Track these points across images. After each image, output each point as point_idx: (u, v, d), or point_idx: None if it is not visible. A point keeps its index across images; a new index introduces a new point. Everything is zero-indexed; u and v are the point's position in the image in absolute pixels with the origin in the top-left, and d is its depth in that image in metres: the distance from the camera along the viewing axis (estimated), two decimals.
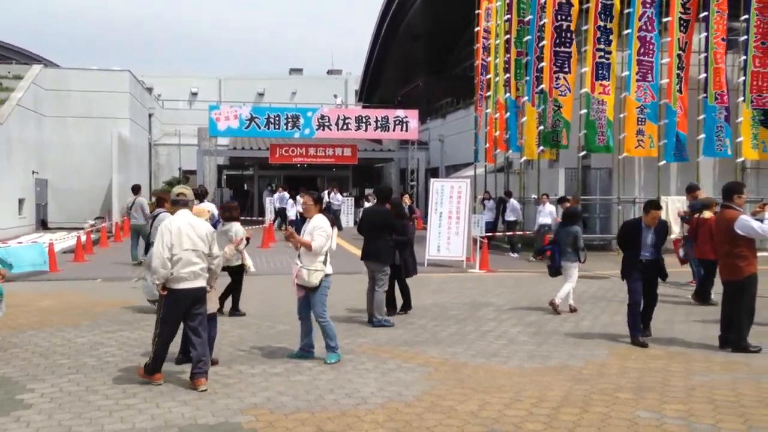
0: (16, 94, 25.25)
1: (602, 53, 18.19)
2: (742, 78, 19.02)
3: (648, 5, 18.31)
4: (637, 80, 18.32)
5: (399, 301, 10.33)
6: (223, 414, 5.75)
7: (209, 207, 11.71)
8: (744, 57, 19.02)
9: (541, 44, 18.82)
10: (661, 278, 8.66)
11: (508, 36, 21.59)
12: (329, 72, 57.10)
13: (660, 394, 6.28)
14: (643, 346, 8.11)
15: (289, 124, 28.26)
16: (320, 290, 7.29)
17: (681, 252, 12.04)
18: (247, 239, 9.92)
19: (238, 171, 41.65)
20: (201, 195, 10.39)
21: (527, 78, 20.20)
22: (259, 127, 28.28)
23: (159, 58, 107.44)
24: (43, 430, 5.37)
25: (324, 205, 8.07)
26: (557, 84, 18.43)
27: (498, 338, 8.67)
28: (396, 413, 5.78)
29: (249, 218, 28.98)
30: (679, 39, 18.52)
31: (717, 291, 9.52)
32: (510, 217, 19.59)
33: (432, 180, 18.41)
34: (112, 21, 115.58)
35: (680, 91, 18.57)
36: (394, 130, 29.35)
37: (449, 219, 16.65)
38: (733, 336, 7.87)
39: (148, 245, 10.63)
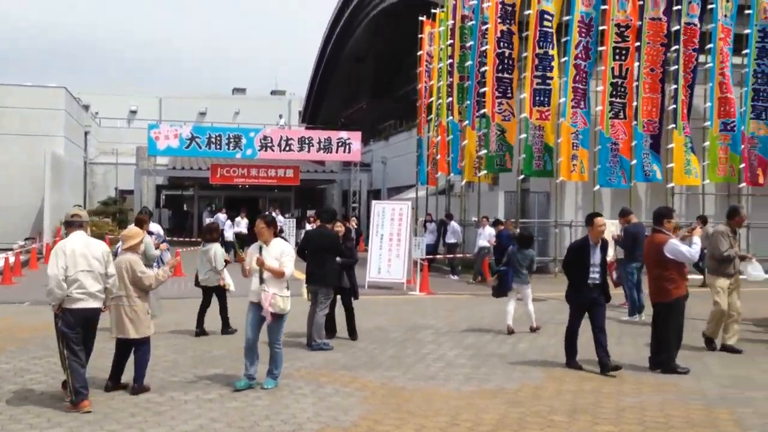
0: None
1: (540, 80, 18.64)
2: (673, 106, 19.73)
3: (584, 34, 18.87)
4: (572, 107, 18.82)
5: (340, 325, 10.22)
6: None
7: (155, 228, 11.57)
8: (675, 86, 19.75)
9: (482, 69, 19.18)
10: (605, 300, 8.59)
11: (450, 60, 21.94)
12: (273, 92, 56.98)
13: (592, 416, 6.39)
14: (578, 368, 8.18)
15: (231, 144, 27.98)
16: (285, 317, 7.27)
17: (615, 274, 12.37)
18: (226, 261, 10.42)
19: (178, 191, 40.97)
20: (141, 221, 10.54)
21: (468, 102, 20.53)
22: (200, 147, 27.92)
23: (98, 75, 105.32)
24: None
25: (278, 227, 7.87)
26: (500, 109, 18.78)
27: (436, 361, 8.69)
28: None
29: (188, 239, 28.47)
30: (613, 68, 19.13)
31: (648, 313, 9.77)
32: (450, 239, 19.79)
33: (373, 202, 18.46)
34: (49, 37, 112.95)
35: (619, 117, 19.12)
36: (337, 152, 29.38)
37: (390, 241, 16.70)
38: (663, 358, 8.07)
39: None
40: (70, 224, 6.78)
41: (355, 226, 18.38)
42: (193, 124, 37.77)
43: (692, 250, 7.99)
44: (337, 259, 9.66)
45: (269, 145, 28.27)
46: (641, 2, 19.34)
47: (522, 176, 19.23)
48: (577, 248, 8.48)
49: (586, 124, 18.97)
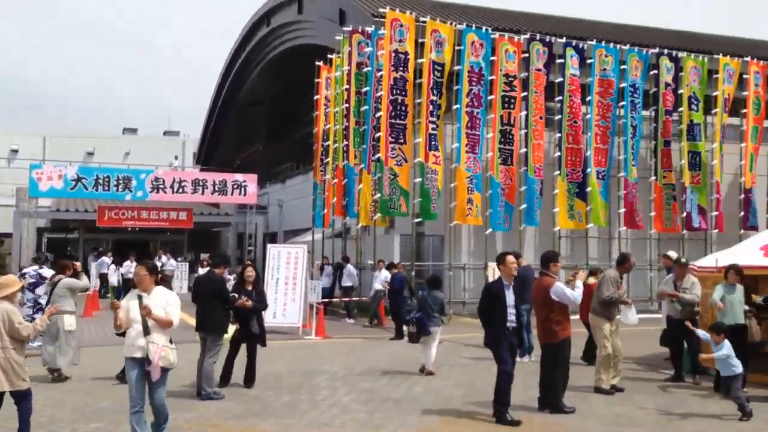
0: None
1: (434, 125, 19.19)
2: (558, 153, 20.74)
3: (474, 83, 19.63)
4: (467, 152, 19.43)
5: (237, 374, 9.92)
6: None
7: (45, 273, 11.39)
8: (558, 134, 20.80)
9: (377, 115, 19.53)
10: (518, 345, 8.58)
11: (346, 105, 22.21)
12: (166, 133, 55.66)
13: None
14: (516, 424, 7.73)
15: (120, 186, 26.99)
16: (170, 370, 6.72)
17: None
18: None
19: (62, 234, 38.99)
20: (64, 266, 10.75)
21: (364, 146, 20.80)
22: (87, 188, 26.75)
23: None
24: None
25: (159, 275, 7.17)
26: (393, 154, 19.13)
27: (331, 407, 8.58)
28: None
29: None
30: (502, 115, 19.96)
31: (537, 353, 10.06)
32: (346, 282, 19.79)
33: (269, 245, 18.24)
34: None
35: (507, 163, 19.90)
36: (232, 194, 28.90)
37: (286, 285, 16.50)
38: (551, 398, 8.30)
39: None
40: None
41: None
42: (80, 164, 36.23)
43: (575, 293, 8.32)
44: (249, 303, 9.47)
45: (161, 186, 27.48)
46: (526, 54, 20.38)
47: (418, 219, 19.58)
48: (495, 290, 8.10)
49: (480, 169, 19.62)
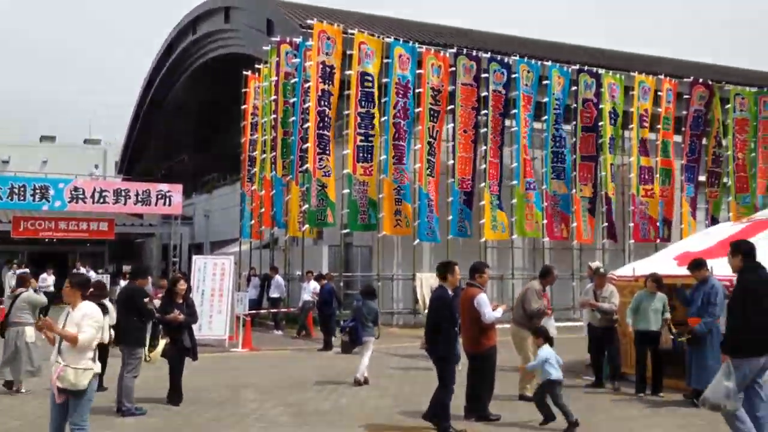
0: None
1: (363, 137, 19.28)
2: (484, 165, 21.15)
3: (401, 96, 19.85)
4: (394, 163, 19.59)
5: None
6: None
7: None
8: (485, 147, 21.22)
9: (305, 126, 19.47)
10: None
11: (274, 116, 22.07)
12: (86, 141, 53.98)
13: None
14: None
15: (37, 196, 25.96)
16: (87, 394, 6.09)
17: None
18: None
19: None
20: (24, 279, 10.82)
21: (292, 157, 20.70)
22: (1, 198, 25.68)
23: None
24: None
25: (89, 289, 6.66)
26: (321, 165, 19.11)
27: (257, 421, 8.47)
28: None
29: None
30: (429, 128, 20.24)
31: (464, 362, 10.18)
32: (274, 293, 19.60)
33: (194, 257, 17.91)
34: None
35: (431, 175, 20.18)
36: (156, 205, 28.20)
37: (212, 297, 16.21)
38: (477, 406, 8.42)
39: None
40: None
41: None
42: None
43: (492, 314, 8.36)
44: (181, 317, 9.26)
45: (81, 196, 26.57)
46: (453, 68, 20.75)
47: (346, 230, 19.57)
48: (448, 298, 7.98)
49: (408, 180, 19.82)
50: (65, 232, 28.17)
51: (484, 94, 21.31)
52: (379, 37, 20.30)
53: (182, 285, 9.70)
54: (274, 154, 22.08)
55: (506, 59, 21.90)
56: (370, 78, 19.52)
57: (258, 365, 13.10)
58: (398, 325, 19.94)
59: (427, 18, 30.09)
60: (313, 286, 17.64)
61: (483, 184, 21.03)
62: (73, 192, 26.08)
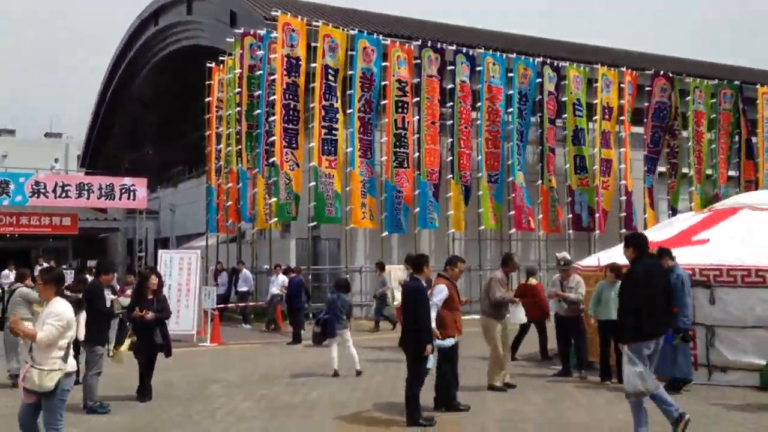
0: None
1: (327, 130, 19.24)
2: (451, 158, 21.26)
3: (366, 89, 19.84)
4: (360, 156, 19.60)
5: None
6: None
7: None
8: (451, 139, 21.33)
9: (271, 119, 19.36)
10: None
11: (239, 108, 21.89)
12: (47, 134, 52.93)
13: None
14: (431, 423, 7.80)
15: None
16: (57, 395, 5.93)
17: None
18: None
19: None
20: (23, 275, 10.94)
21: (258, 150, 20.57)
22: None
23: None
24: None
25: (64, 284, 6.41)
26: (287, 158, 19.03)
27: (227, 415, 8.45)
28: None
29: None
30: (396, 119, 20.27)
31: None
32: (242, 287, 19.48)
33: (160, 251, 17.73)
34: None
35: (403, 166, 20.22)
36: (120, 199, 27.81)
37: (179, 291, 16.08)
38: (446, 396, 8.49)
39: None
40: None
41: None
42: None
43: (434, 302, 8.38)
44: (149, 315, 9.15)
45: (42, 191, 26.11)
46: (417, 61, 20.79)
47: (313, 223, 19.55)
48: (422, 287, 8.07)
49: (372, 173, 19.83)
50: (27, 227, 27.62)
51: (450, 86, 21.40)
52: (343, 29, 20.24)
53: (153, 280, 9.60)
54: (240, 147, 21.91)
55: (471, 51, 22.01)
56: (333, 71, 19.49)
57: (227, 360, 13.05)
58: (367, 318, 19.99)
59: (392, 10, 29.95)
60: (282, 279, 17.59)
61: (450, 177, 21.15)
62: (34, 186, 25.64)
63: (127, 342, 9.27)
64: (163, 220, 35.86)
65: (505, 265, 10.23)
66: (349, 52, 19.81)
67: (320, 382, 10.63)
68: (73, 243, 33.64)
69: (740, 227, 10.97)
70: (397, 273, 18.93)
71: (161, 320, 9.48)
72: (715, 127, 26.00)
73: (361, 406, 8.89)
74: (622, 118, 24.30)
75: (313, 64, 19.38)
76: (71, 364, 6.05)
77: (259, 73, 20.50)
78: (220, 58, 24.00)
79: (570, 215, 23.31)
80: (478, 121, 21.83)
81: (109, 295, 10.02)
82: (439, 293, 8.41)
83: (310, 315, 17.85)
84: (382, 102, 20.27)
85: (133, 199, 27.54)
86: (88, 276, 22.27)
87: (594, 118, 23.93)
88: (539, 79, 22.89)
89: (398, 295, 18.55)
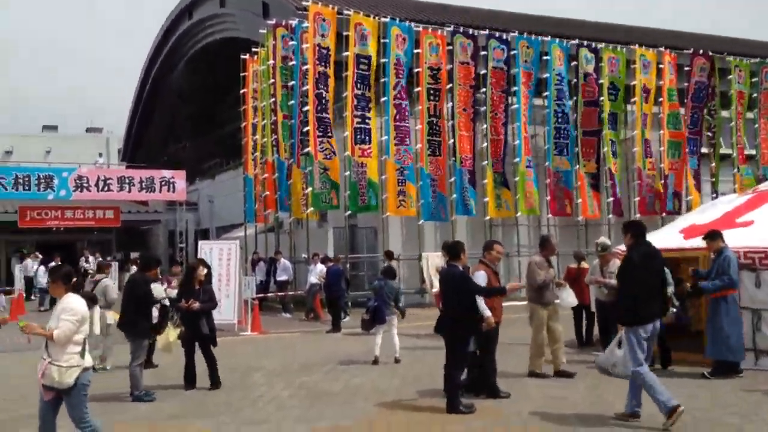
0: None
1: (360, 119, 19.26)
2: (485, 144, 21.13)
3: (400, 75, 19.80)
4: (396, 144, 19.59)
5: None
6: None
7: None
8: (485, 125, 21.19)
9: (304, 109, 19.45)
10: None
11: (273, 99, 22.03)
12: (89, 130, 53.89)
13: None
14: (471, 410, 7.75)
15: (42, 185, 26.12)
16: (77, 390, 5.85)
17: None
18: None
19: None
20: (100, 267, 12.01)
21: (293, 140, 20.70)
22: (6, 189, 25.81)
23: None
24: None
25: (78, 280, 6.67)
26: (322, 148, 19.11)
27: (268, 403, 8.57)
28: None
29: None
30: (428, 107, 20.19)
31: None
32: (281, 276, 19.66)
33: (200, 242, 17.99)
34: None
35: (436, 154, 20.17)
36: (160, 191, 28.33)
37: (219, 281, 16.25)
38: (485, 382, 8.47)
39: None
40: None
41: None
42: None
43: (478, 287, 8.30)
44: (196, 305, 9.31)
45: (85, 185, 26.71)
46: (450, 47, 20.65)
47: (349, 212, 19.63)
48: (459, 272, 8.05)
49: (412, 160, 19.82)
50: (72, 220, 28.29)
51: (482, 71, 21.23)
52: (374, 17, 20.19)
53: (201, 271, 9.76)
54: (275, 137, 22.06)
55: (505, 36, 21.79)
56: (365, 60, 19.47)
57: (267, 348, 13.22)
58: (405, 306, 20.01)
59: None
60: (320, 268, 17.71)
61: (485, 163, 21.03)
62: (77, 181, 26.21)
63: (176, 332, 9.46)
64: (202, 212, 36.37)
65: (543, 248, 10.06)
66: (382, 40, 19.77)
67: (360, 369, 10.70)
68: (116, 235, 34.32)
69: None
70: (434, 260, 18.92)
71: (208, 310, 9.61)
72: (756, 107, 25.37)
73: (402, 393, 8.93)
74: (660, 99, 23.84)
75: (345, 53, 19.39)
76: (88, 359, 6.02)
77: (292, 63, 20.59)
78: (254, 49, 24.16)
79: (610, 199, 22.99)
80: (514, 106, 21.63)
81: (160, 286, 10.35)
82: (480, 279, 8.38)
83: (349, 303, 17.98)
84: (415, 89, 20.21)
85: (173, 191, 27.98)
86: (133, 267, 22.77)
87: (633, 99, 23.52)
88: (574, 62, 22.57)
89: (436, 282, 18.61)
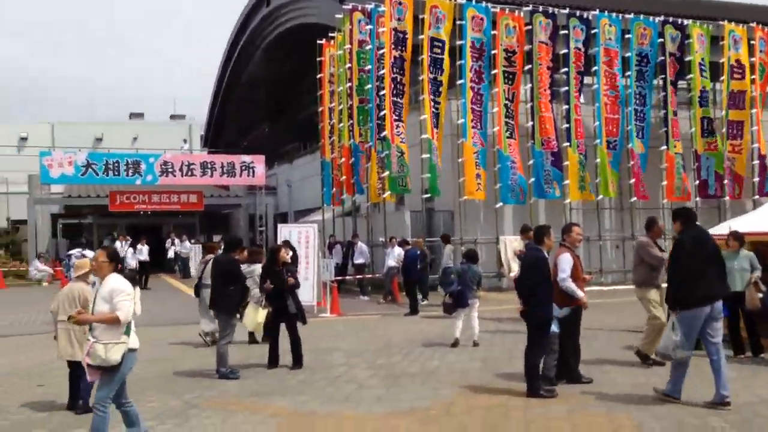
0: None
1: (433, 103, 19.17)
2: (567, 125, 20.68)
3: (476, 59, 19.56)
4: (472, 127, 19.42)
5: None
6: None
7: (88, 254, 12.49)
8: (566, 106, 20.73)
9: (381, 93, 19.50)
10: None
11: (350, 83, 22.17)
12: (172, 117, 55.72)
13: (503, 430, 6.56)
14: (552, 395, 7.72)
15: (130, 171, 27.19)
16: (120, 370, 5.82)
17: None
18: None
19: (76, 220, 39.30)
20: (211, 248, 12.83)
21: (370, 124, 20.80)
22: (97, 174, 26.98)
23: None
24: None
25: (121, 263, 6.49)
26: (398, 131, 19.13)
27: (348, 383, 8.70)
28: None
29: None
30: (505, 90, 19.90)
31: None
32: (359, 259, 19.87)
33: (280, 225, 18.35)
34: None
35: (514, 137, 19.91)
36: (240, 176, 29.04)
37: (298, 264, 16.60)
38: (566, 367, 8.34)
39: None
40: None
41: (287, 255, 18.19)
42: (89, 150, 36.40)
43: (563, 279, 8.16)
44: (292, 279, 9.63)
45: (170, 170, 27.64)
46: (528, 27, 20.25)
47: (426, 195, 19.62)
48: (543, 256, 7.94)
49: (483, 144, 19.61)
50: (158, 204, 29.35)
51: (563, 51, 20.75)
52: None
53: (283, 253, 10.01)
54: (352, 121, 22.24)
55: (585, 14, 21.20)
56: (438, 44, 19.32)
57: (346, 330, 13.41)
58: (483, 289, 19.90)
59: None
60: (398, 252, 17.79)
61: (566, 144, 20.61)
62: (163, 166, 27.13)
63: (263, 312, 9.73)
64: (280, 196, 37.07)
65: (649, 230, 9.67)
66: (458, 22, 19.57)
67: (438, 352, 10.73)
68: (199, 219, 35.45)
69: None
70: (512, 243, 18.72)
71: (293, 290, 9.83)
72: None
73: (481, 376, 8.92)
74: (753, 76, 22.73)
75: (420, 36, 19.31)
76: (134, 340, 5.96)
77: (368, 47, 20.65)
78: (330, 34, 24.33)
79: (696, 182, 22.17)
80: (594, 86, 21.07)
81: (250, 267, 10.70)
82: (565, 263, 8.25)
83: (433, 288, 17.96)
84: (493, 71, 19.94)
85: (253, 176, 28.59)
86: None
87: (720, 78, 22.53)
88: (660, 39, 21.76)
89: (515, 266, 18.41)
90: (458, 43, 19.58)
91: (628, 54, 21.37)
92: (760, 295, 9.35)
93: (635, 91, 21.36)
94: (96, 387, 5.95)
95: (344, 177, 22.95)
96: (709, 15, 24.30)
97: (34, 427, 7.05)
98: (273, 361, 9.76)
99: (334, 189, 24.20)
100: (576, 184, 20.52)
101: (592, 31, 21.00)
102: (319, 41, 25.13)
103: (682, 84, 22.42)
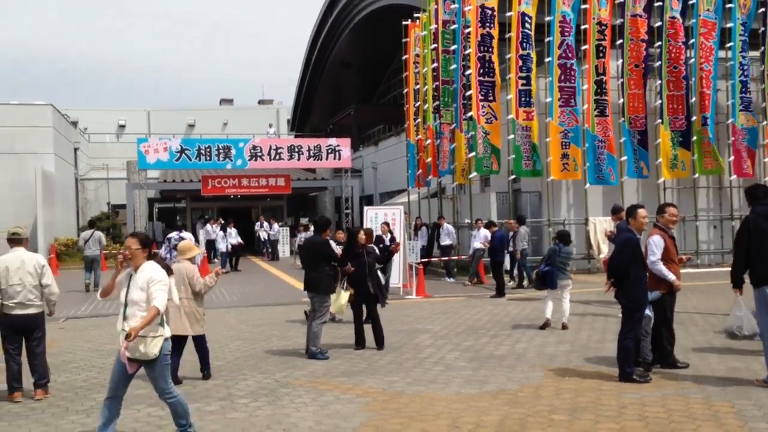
0: None
1: (524, 81, 18.77)
2: (659, 102, 19.89)
3: (566, 33, 19.01)
4: (560, 106, 18.94)
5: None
6: None
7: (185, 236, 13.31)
8: (659, 81, 19.91)
9: (467, 73, 19.27)
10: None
11: (435, 64, 22.02)
12: (260, 102, 56.93)
13: (593, 414, 6.43)
14: (646, 380, 7.54)
15: (221, 155, 27.94)
16: (160, 360, 5.70)
17: None
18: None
19: (170, 204, 40.92)
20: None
21: (455, 105, 20.61)
22: (190, 159, 27.86)
23: (83, 91, 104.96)
24: None
25: (154, 250, 6.20)
26: (484, 112, 18.88)
27: (435, 364, 8.72)
28: None
29: None
30: (596, 66, 19.28)
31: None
32: (445, 241, 19.79)
33: (366, 208, 18.50)
34: (31, 54, 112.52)
35: (604, 114, 19.30)
36: (327, 159, 29.37)
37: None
38: (661, 352, 8.08)
39: None
40: (10, 241, 7.59)
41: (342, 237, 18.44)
42: (182, 136, 37.74)
43: (654, 261, 7.89)
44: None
45: (259, 154, 28.25)
46: (620, 0, 19.52)
47: (512, 177, 19.33)
48: (635, 238, 7.67)
49: (578, 121, 19.09)
50: (247, 188, 30.08)
51: (657, 24, 19.92)
52: None
53: (362, 235, 10.12)
54: (437, 102, 22.11)
55: None
56: (528, 19, 18.88)
57: (432, 312, 13.42)
58: (572, 271, 19.50)
59: None
60: (484, 233, 17.62)
61: (658, 122, 19.83)
62: (252, 150, 27.76)
63: (346, 294, 9.88)
64: (366, 178, 37.36)
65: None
66: None
67: (526, 334, 10.61)
68: (287, 202, 36.17)
69: None
70: (602, 225, 18.25)
71: (373, 273, 9.91)
72: None
73: (569, 359, 8.77)
74: None
75: (508, 13, 18.94)
76: (167, 329, 5.85)
77: (453, 27, 20.42)
78: (416, 15, 24.20)
79: None
80: (691, 60, 20.15)
81: (337, 247, 10.82)
82: (656, 246, 7.96)
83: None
84: (582, 47, 19.36)
85: (338, 159, 28.87)
86: (303, 233, 23.81)
87: None
88: (762, 9, 20.55)
89: (605, 248, 17.97)
90: (546, 19, 19.09)
91: (731, 24, 20.28)
92: None
93: (740, 62, 20.27)
94: (152, 384, 5.87)
95: (429, 159, 22.89)
96: None
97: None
98: (359, 342, 9.89)
99: (419, 171, 24.18)
100: (668, 162, 19.75)
101: (690, 2, 20.04)
102: (404, 22, 25.06)
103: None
